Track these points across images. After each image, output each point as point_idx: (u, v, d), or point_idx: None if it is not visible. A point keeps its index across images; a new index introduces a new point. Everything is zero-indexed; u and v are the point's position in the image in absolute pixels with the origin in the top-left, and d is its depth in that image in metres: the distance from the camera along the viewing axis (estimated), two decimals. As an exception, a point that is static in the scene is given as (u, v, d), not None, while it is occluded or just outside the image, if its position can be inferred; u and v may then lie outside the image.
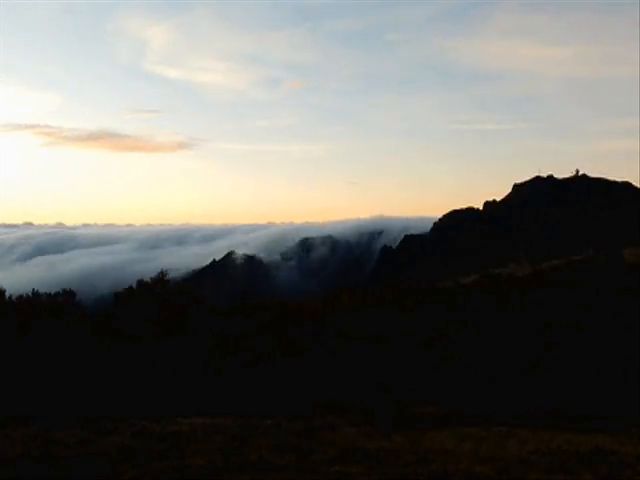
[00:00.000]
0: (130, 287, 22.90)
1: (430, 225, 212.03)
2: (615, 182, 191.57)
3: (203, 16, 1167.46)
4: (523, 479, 7.48)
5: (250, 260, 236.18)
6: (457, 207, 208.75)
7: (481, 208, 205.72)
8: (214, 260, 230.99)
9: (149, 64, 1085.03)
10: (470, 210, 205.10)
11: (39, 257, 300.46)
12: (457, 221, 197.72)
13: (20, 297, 20.91)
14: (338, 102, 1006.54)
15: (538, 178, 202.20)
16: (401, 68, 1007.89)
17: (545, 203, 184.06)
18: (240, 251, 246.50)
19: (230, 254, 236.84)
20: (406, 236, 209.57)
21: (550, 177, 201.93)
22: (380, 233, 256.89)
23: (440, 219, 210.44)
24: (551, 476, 7.57)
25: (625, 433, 10.20)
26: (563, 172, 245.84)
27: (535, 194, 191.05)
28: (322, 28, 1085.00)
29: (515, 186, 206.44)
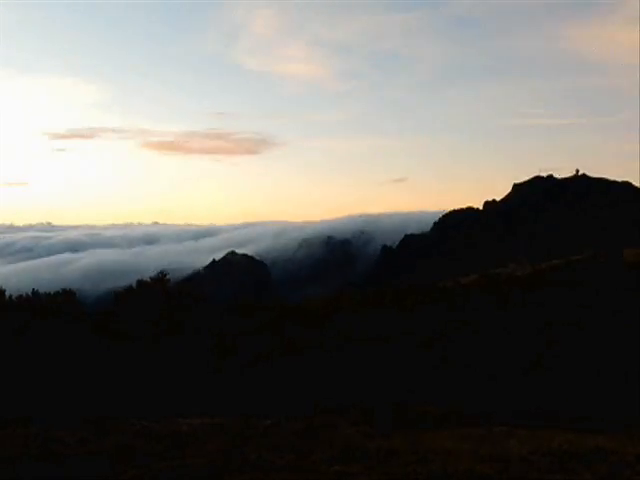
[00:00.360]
0: (130, 287, 22.90)
1: (430, 224, 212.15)
2: (615, 182, 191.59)
3: (306, 2, 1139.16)
4: (523, 479, 7.48)
5: (250, 260, 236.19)
6: (457, 207, 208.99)
7: (481, 208, 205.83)
8: (214, 260, 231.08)
9: (238, 54, 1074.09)
10: (470, 210, 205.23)
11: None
12: (457, 221, 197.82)
13: (20, 296, 20.91)
14: (407, 96, 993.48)
15: (538, 178, 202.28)
16: (495, 57, 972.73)
17: (545, 203, 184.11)
18: (240, 251, 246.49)
19: (230, 254, 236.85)
20: (406, 235, 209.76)
21: (550, 177, 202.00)
22: (380, 233, 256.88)
23: (440, 219, 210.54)
24: (551, 476, 7.57)
25: (625, 433, 10.19)
26: (563, 172, 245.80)
27: (535, 194, 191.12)
28: (430, 14, 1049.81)
29: (515, 186, 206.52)
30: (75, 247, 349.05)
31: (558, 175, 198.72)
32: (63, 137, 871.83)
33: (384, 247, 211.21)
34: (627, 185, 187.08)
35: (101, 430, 10.20)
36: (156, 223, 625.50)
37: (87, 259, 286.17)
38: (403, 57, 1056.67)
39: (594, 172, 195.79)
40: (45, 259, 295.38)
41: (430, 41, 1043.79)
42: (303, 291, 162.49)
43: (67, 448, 8.89)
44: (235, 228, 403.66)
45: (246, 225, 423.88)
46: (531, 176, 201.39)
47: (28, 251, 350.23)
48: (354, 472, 7.69)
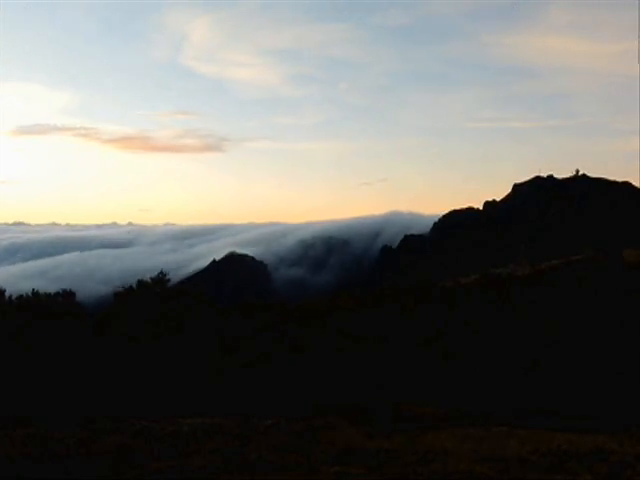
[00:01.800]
0: (130, 287, 22.89)
1: (430, 225, 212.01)
2: (615, 182, 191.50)
3: (250, 9, 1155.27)
4: (523, 479, 7.47)
5: (250, 260, 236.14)
6: (457, 207, 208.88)
7: (481, 208, 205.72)
8: (214, 260, 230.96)
9: (185, 59, 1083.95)
10: (470, 210, 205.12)
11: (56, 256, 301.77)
12: (457, 221, 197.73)
13: (20, 297, 20.91)
14: (368, 100, 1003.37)
15: (538, 178, 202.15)
16: (439, 65, 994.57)
17: (545, 203, 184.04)
18: (240, 251, 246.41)
19: (230, 254, 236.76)
20: (406, 236, 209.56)
21: (550, 177, 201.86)
22: (380, 233, 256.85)
23: (440, 219, 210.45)
24: (551, 476, 7.57)
25: (625, 433, 10.19)
26: (563, 172, 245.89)
27: (535, 194, 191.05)
28: (368, 23, 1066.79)
29: (515, 186, 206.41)
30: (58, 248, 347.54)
31: (558, 175, 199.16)
32: (22, 134, 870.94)
33: (384, 247, 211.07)
34: (627, 185, 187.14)
35: (101, 430, 10.20)
36: (130, 223, 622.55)
37: (82, 258, 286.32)
38: (351, 63, 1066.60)
39: (594, 172, 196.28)
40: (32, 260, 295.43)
41: (373, 49, 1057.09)
42: (303, 291, 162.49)
43: (67, 448, 8.89)
44: (235, 228, 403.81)
45: (247, 225, 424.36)
46: (531, 176, 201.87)
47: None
48: (354, 472, 7.69)
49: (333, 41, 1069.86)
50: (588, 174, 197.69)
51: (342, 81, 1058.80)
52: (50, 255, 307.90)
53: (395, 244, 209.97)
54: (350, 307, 24.61)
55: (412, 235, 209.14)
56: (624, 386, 14.27)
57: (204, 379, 16.07)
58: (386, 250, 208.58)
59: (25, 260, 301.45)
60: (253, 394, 14.70)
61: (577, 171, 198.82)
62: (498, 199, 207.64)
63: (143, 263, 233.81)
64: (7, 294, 20.87)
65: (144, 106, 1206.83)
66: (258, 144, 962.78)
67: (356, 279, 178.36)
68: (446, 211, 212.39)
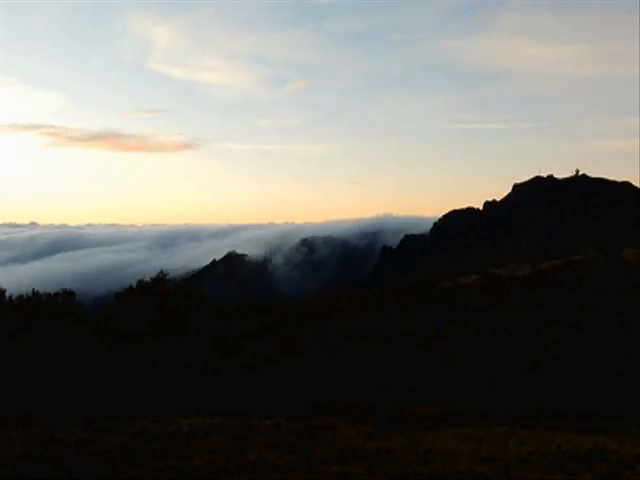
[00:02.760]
0: (130, 287, 22.90)
1: (430, 225, 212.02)
2: (615, 182, 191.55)
3: (207, 16, 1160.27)
4: (523, 479, 7.47)
5: (250, 260, 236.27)
6: (457, 207, 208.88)
7: (481, 208, 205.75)
8: (214, 260, 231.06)
9: (153, 63, 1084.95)
10: (470, 210, 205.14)
11: (47, 257, 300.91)
12: (457, 221, 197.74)
13: (20, 297, 20.92)
14: (341, 102, 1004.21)
15: (538, 178, 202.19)
16: (404, 68, 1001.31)
17: (545, 203, 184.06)
18: (240, 251, 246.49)
19: (230, 254, 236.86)
20: (406, 236, 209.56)
21: (550, 177, 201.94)
22: (380, 233, 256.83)
23: (440, 219, 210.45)
24: (551, 476, 7.56)
25: (625, 433, 10.19)
26: (563, 172, 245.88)
27: (535, 194, 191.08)
28: (326, 28, 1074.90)
29: (515, 186, 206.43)
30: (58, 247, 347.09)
31: (558, 175, 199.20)
32: None
33: (384, 247, 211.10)
34: (627, 185, 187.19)
35: (101, 430, 10.20)
36: (154, 225, 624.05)
37: (83, 258, 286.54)
38: (320, 67, 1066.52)
39: (594, 172, 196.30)
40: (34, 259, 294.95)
41: (336, 53, 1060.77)
42: (303, 291, 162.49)
43: (67, 448, 8.89)
44: (236, 227, 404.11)
45: (247, 225, 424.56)
46: (531, 176, 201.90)
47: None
48: (354, 472, 7.69)
49: (296, 46, 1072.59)
50: (588, 174, 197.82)
51: (313, 84, 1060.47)
52: (38, 256, 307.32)
53: (395, 244, 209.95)
54: (350, 307, 24.62)
55: (412, 235, 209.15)
56: (624, 387, 14.27)
57: (204, 379, 16.07)
58: (386, 250, 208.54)
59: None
60: (253, 394, 14.70)
61: (577, 171, 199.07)
62: (498, 199, 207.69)
63: (135, 263, 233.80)
64: (7, 294, 20.90)
65: (114, 106, 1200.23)
66: (233, 146, 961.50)
67: (356, 279, 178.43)
68: (446, 211, 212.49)
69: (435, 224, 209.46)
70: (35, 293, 21.54)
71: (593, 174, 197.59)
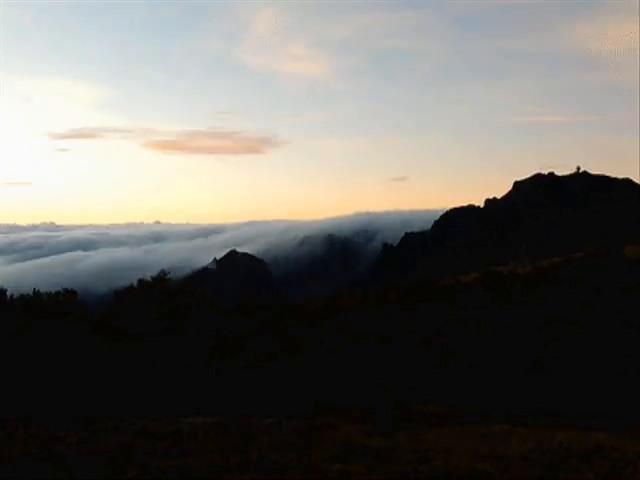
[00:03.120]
0: (131, 286, 22.90)
1: (431, 222, 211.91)
2: (616, 179, 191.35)
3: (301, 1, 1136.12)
4: (524, 477, 7.46)
5: (251, 259, 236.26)
6: (458, 205, 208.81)
7: (482, 205, 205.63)
8: (214, 259, 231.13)
9: (240, 53, 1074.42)
10: (471, 207, 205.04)
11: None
12: (458, 219, 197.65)
13: (21, 296, 20.92)
14: (408, 94, 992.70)
15: (539, 175, 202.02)
16: (488, 57, 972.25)
17: (546, 200, 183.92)
18: (242, 249, 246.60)
19: (231, 253, 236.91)
20: (407, 233, 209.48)
21: (551, 174, 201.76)
22: (381, 230, 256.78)
23: (441, 217, 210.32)
24: (552, 474, 7.55)
25: (626, 431, 10.17)
26: (564, 169, 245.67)
27: (536, 191, 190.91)
28: (434, 13, 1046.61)
29: (516, 183, 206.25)
30: (81, 246, 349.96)
31: (559, 172, 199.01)
32: (65, 137, 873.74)
33: (385, 245, 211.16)
34: (628, 182, 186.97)
35: (101, 429, 10.19)
36: (158, 222, 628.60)
37: (93, 258, 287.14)
38: (404, 55, 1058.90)
39: (595, 169, 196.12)
40: (54, 257, 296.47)
41: (431, 40, 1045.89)
42: (304, 289, 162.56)
43: (67, 448, 8.88)
44: (236, 227, 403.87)
45: (248, 223, 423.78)
46: (532, 174, 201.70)
47: (36, 249, 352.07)
48: (355, 471, 7.68)
49: (391, 31, 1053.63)
50: (589, 171, 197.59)
51: (387, 74, 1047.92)
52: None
53: (396, 242, 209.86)
54: (351, 305, 24.61)
55: (413, 233, 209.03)
56: (626, 384, 14.25)
57: (205, 378, 16.07)
58: (387, 248, 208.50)
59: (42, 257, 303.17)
60: (254, 393, 14.70)
61: (578, 168, 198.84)
62: (499, 196, 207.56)
63: (144, 263, 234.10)
64: (9, 293, 20.89)
65: (188, 105, 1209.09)
66: (293, 144, 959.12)
67: (357, 277, 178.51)
68: (447, 209, 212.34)
69: (436, 222, 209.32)
70: (36, 292, 21.53)
71: (594, 171, 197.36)
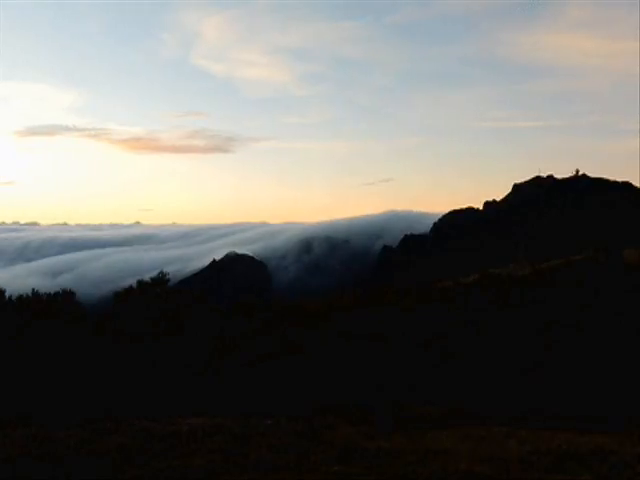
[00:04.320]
0: (130, 287, 22.91)
1: (430, 225, 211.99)
2: (615, 182, 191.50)
3: (258, 9, 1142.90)
4: (523, 479, 7.48)
5: (250, 260, 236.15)
6: (457, 207, 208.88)
7: (481, 208, 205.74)
8: (214, 260, 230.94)
9: (196, 59, 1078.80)
10: (470, 210, 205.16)
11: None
12: (457, 221, 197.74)
13: (20, 297, 20.91)
14: (374, 99, 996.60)
15: (538, 178, 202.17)
16: (447, 64, 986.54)
17: (545, 203, 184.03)
18: (240, 251, 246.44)
19: (230, 254, 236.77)
20: (406, 236, 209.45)
21: (550, 177, 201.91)
22: (380, 233, 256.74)
23: (440, 219, 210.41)
24: (551, 476, 7.57)
25: (625, 433, 10.19)
26: (563, 172, 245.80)
27: (535, 194, 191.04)
28: (378, 22, 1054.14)
29: (515, 186, 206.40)
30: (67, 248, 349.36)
31: (558, 175, 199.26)
32: (31, 135, 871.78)
33: (384, 247, 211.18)
34: (627, 185, 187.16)
35: (101, 430, 10.20)
36: (138, 223, 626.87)
37: (85, 258, 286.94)
38: (362, 62, 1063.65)
39: (594, 172, 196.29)
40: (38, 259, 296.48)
41: (384, 47, 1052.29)
42: (303, 291, 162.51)
43: (67, 448, 8.89)
44: (235, 228, 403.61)
45: (246, 225, 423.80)
46: (531, 176, 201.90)
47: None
48: (354, 472, 7.69)
49: (345, 40, 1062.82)
50: (588, 174, 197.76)
51: (350, 80, 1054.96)
52: (58, 255, 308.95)
53: (395, 244, 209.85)
54: (350, 307, 24.62)
55: (412, 235, 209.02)
56: (624, 386, 14.27)
57: (204, 379, 16.08)
58: (386, 250, 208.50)
59: (29, 261, 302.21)
60: (253, 394, 14.71)
61: (577, 171, 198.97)
62: (498, 199, 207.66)
63: (144, 263, 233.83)
64: (8, 294, 20.89)
65: (153, 106, 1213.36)
66: (264, 144, 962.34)
67: (356, 279, 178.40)
68: (446, 211, 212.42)
69: (435, 224, 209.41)
70: (35, 293, 21.53)
71: (593, 174, 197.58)
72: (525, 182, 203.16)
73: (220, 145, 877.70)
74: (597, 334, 18.79)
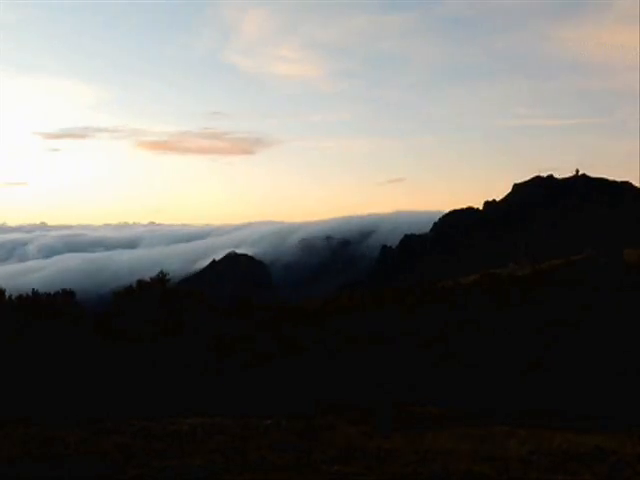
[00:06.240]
0: (130, 287, 22.89)
1: (430, 225, 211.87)
2: (615, 182, 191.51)
3: (303, 2, 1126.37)
4: (523, 479, 7.47)
5: (250, 260, 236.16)
6: (457, 207, 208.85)
7: (481, 208, 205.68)
8: (214, 260, 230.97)
9: (228, 54, 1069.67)
10: (470, 210, 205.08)
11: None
12: (457, 221, 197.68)
13: (20, 297, 20.91)
14: (403, 96, 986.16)
15: (538, 178, 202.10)
16: (485, 59, 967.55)
17: (545, 203, 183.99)
18: (240, 251, 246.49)
19: (230, 254, 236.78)
20: (406, 235, 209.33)
21: (550, 177, 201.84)
22: (380, 232, 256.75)
23: (440, 219, 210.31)
24: (551, 476, 7.56)
25: (625, 433, 10.19)
26: (563, 172, 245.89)
27: (535, 194, 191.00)
28: (424, 15, 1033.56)
29: (515, 186, 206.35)
30: (72, 247, 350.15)
31: (558, 175, 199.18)
32: (57, 137, 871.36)
33: (384, 247, 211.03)
34: (627, 185, 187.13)
35: (102, 430, 10.20)
36: (152, 223, 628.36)
37: (85, 259, 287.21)
38: (398, 57, 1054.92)
39: (594, 172, 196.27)
40: (41, 260, 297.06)
41: (425, 41, 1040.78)
42: (303, 291, 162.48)
43: (67, 448, 8.89)
44: (235, 228, 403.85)
45: (246, 225, 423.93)
46: (531, 176, 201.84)
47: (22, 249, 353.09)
48: (354, 472, 7.69)
49: (384, 35, 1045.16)
50: (588, 174, 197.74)
51: (381, 76, 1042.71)
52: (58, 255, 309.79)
53: (395, 244, 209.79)
54: (350, 307, 24.62)
55: (412, 235, 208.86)
56: (624, 386, 14.27)
57: (204, 379, 16.07)
58: (386, 250, 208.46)
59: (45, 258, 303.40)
60: (253, 394, 14.71)
61: (577, 171, 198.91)
62: (498, 199, 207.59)
63: (143, 263, 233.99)
64: (8, 294, 20.90)
65: (181, 105, 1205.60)
66: (287, 145, 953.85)
67: (356, 279, 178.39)
68: (446, 211, 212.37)
69: (435, 224, 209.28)
70: (35, 293, 21.53)
71: (593, 174, 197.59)
72: (525, 182, 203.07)
73: (245, 147, 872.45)
74: (597, 334, 18.79)
